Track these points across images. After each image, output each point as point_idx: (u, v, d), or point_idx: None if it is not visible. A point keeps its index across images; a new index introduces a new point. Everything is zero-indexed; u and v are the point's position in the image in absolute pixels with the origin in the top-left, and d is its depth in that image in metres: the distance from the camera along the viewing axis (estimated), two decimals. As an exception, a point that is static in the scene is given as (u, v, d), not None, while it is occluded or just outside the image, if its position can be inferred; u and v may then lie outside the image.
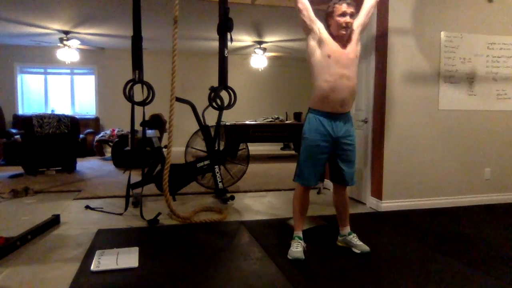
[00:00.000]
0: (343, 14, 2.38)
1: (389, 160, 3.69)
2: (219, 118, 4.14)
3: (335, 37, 2.45)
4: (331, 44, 2.43)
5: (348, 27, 2.41)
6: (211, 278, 2.20)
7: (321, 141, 2.47)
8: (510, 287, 2.13)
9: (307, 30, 2.48)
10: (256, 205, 3.95)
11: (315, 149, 2.48)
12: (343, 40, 2.45)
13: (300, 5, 2.44)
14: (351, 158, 2.58)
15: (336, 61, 2.40)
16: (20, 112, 8.27)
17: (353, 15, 2.43)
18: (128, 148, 6.27)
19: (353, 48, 2.48)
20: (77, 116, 6.30)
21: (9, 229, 2.90)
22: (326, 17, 2.48)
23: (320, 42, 2.43)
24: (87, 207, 3.69)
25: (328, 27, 2.48)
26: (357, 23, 2.52)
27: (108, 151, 7.56)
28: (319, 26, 2.45)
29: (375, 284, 2.16)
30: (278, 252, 2.54)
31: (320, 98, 2.45)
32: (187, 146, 4.55)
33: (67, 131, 5.68)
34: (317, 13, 2.49)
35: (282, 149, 9.46)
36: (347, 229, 2.68)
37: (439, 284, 2.15)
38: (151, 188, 4.07)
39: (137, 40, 3.50)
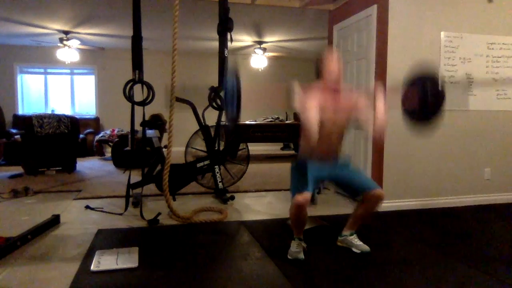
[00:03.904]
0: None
1: (389, 160, 3.69)
2: (219, 118, 4.15)
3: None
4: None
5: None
6: (211, 278, 2.20)
7: (314, 171, 2.43)
8: (510, 287, 2.13)
9: None
10: (256, 205, 3.95)
11: (306, 171, 2.41)
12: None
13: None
14: (357, 170, 2.62)
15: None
16: (20, 112, 8.27)
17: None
18: (128, 148, 6.27)
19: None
20: (77, 116, 6.31)
21: (9, 229, 2.90)
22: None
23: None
24: (87, 207, 3.69)
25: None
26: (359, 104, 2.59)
27: (108, 151, 7.56)
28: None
29: (375, 284, 2.16)
30: (278, 252, 2.53)
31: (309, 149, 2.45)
32: (187, 146, 4.55)
33: (67, 131, 5.68)
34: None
35: (282, 149, 9.46)
36: (351, 231, 2.65)
37: (439, 284, 2.15)
38: (151, 188, 4.07)
39: (137, 40, 3.51)
